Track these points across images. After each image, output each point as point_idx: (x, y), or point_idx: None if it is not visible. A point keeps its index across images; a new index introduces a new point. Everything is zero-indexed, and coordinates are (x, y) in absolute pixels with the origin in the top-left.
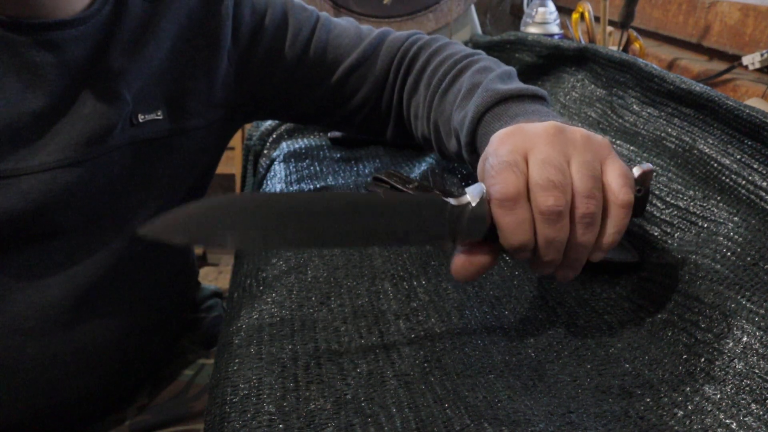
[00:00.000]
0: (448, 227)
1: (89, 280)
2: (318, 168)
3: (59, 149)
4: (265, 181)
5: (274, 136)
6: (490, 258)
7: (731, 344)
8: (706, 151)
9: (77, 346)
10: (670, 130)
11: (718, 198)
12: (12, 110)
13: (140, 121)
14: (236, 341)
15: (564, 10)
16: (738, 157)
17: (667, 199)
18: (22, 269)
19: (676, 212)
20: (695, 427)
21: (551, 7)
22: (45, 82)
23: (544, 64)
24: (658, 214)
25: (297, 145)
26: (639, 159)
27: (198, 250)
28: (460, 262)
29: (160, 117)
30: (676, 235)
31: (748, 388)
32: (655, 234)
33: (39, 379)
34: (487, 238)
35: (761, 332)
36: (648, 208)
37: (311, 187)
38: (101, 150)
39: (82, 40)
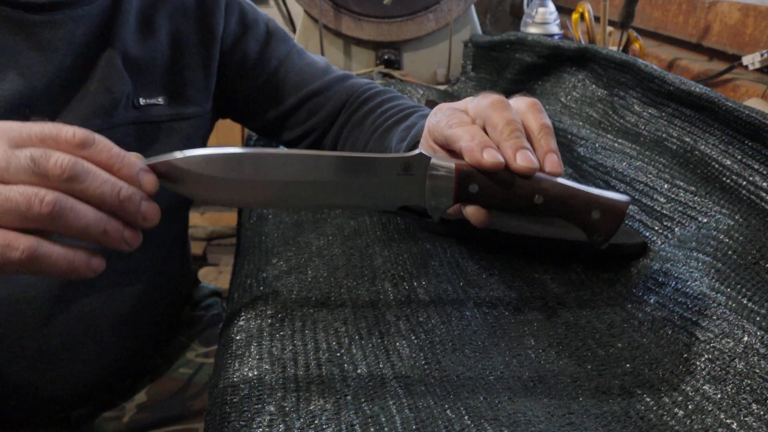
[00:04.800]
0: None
1: None
2: None
3: (71, 122)
4: None
5: None
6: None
7: (732, 344)
8: (707, 151)
9: (76, 317)
10: (671, 130)
11: (719, 198)
12: (27, 84)
13: (141, 104)
14: (236, 341)
15: (564, 10)
16: (738, 157)
17: (668, 194)
18: None
19: (677, 206)
20: (696, 426)
21: (551, 7)
22: (56, 58)
23: (545, 64)
24: (658, 208)
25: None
26: (641, 157)
27: (198, 250)
28: (478, 213)
29: (161, 102)
30: (676, 230)
31: (748, 388)
32: (656, 228)
33: (38, 349)
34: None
35: (762, 332)
36: (649, 203)
37: None
38: (107, 124)
39: (89, 18)
